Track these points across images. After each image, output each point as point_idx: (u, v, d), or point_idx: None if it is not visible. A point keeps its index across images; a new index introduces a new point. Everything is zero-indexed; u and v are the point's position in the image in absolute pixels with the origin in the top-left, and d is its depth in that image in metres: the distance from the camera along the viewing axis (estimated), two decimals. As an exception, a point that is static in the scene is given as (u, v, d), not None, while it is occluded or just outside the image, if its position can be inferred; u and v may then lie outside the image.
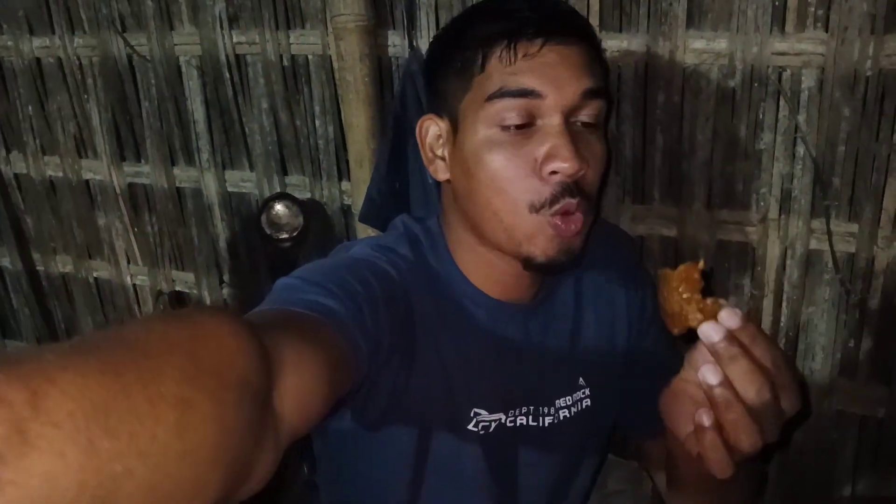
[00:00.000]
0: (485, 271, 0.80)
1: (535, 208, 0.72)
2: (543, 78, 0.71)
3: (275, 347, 0.45)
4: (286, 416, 0.45)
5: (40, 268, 1.68)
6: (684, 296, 0.61)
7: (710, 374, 0.57)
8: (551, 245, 0.73)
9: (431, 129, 0.80)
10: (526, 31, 0.72)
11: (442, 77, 0.78)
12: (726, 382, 0.57)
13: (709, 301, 0.60)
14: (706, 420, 0.59)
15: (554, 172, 0.71)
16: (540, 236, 0.73)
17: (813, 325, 1.04)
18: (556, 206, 0.72)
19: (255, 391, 0.41)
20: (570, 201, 0.71)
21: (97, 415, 0.31)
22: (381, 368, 0.69)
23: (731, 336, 0.57)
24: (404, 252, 0.79)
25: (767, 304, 1.06)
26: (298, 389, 0.47)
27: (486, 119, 0.73)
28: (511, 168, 0.72)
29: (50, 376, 0.31)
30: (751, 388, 0.56)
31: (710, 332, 0.57)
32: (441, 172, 0.80)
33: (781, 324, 1.06)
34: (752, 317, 0.59)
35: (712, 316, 0.58)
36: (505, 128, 0.72)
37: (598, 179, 0.76)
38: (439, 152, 0.80)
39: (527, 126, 0.72)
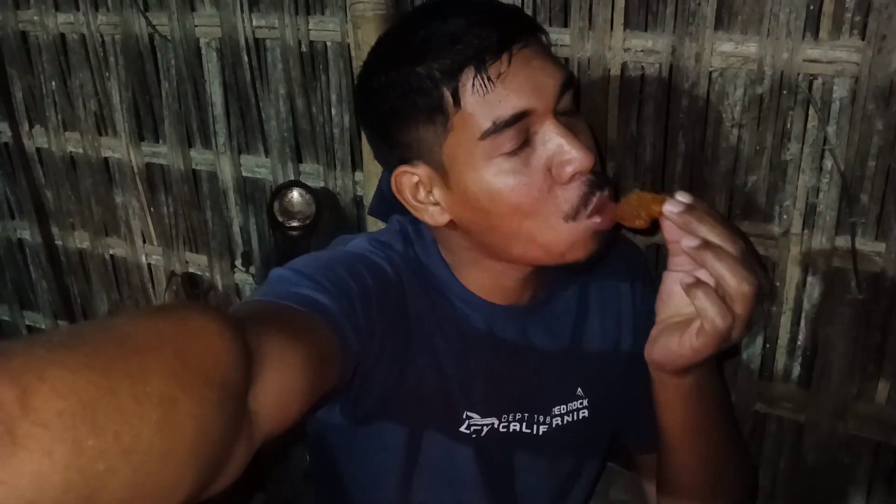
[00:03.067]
0: (481, 276, 0.78)
1: (571, 216, 0.69)
2: (525, 92, 0.67)
3: (258, 345, 0.45)
4: (263, 415, 0.45)
5: (59, 242, 1.70)
6: (646, 197, 0.68)
7: (689, 240, 0.63)
8: (593, 242, 0.71)
9: (412, 181, 0.73)
10: (487, 51, 0.66)
11: (401, 129, 0.71)
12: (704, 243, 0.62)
13: (663, 194, 0.67)
14: (701, 275, 0.64)
15: (574, 174, 0.68)
16: (582, 241, 0.70)
17: (831, 345, 1.00)
18: (591, 206, 0.69)
19: (236, 391, 0.42)
20: (602, 195, 0.69)
21: (85, 413, 0.31)
22: (373, 365, 0.69)
23: (690, 208, 0.64)
24: (400, 249, 0.78)
25: (785, 320, 1.02)
26: (277, 389, 0.47)
27: (485, 154, 0.68)
28: (532, 189, 0.68)
29: (40, 373, 0.31)
30: (727, 238, 0.62)
31: (671, 206, 0.64)
32: (438, 216, 0.73)
33: (799, 342, 1.02)
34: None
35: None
36: (507, 154, 0.68)
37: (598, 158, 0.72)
38: (430, 199, 0.73)
39: (526, 141, 0.68)
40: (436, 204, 0.73)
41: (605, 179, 0.71)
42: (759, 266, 0.67)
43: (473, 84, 0.66)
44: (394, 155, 0.74)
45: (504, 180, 0.68)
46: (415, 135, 0.71)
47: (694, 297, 0.62)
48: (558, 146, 0.68)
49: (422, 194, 0.73)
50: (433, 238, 0.80)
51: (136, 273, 1.61)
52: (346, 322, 0.62)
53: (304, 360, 0.51)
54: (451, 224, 0.74)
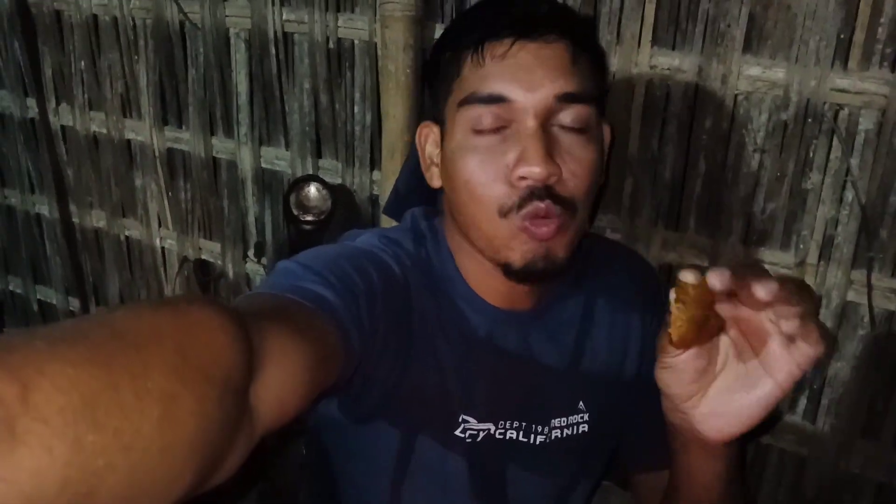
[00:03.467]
0: (484, 276, 0.78)
1: (504, 213, 0.70)
2: (513, 81, 0.69)
3: (260, 340, 0.45)
4: (262, 410, 0.45)
5: (76, 220, 1.71)
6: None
7: (763, 288, 0.51)
8: (528, 249, 0.70)
9: (430, 137, 0.80)
10: (494, 30, 0.70)
11: (432, 82, 0.79)
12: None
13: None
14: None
15: (523, 178, 0.69)
16: (514, 241, 0.71)
17: (840, 380, 0.98)
18: (524, 210, 0.69)
19: (237, 387, 0.41)
20: (539, 205, 0.69)
21: (85, 409, 0.31)
22: (375, 363, 0.68)
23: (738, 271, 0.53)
24: (409, 247, 0.78)
25: (794, 351, 1.00)
26: (278, 385, 0.47)
27: (462, 124, 0.72)
28: (482, 173, 0.71)
29: (41, 367, 0.31)
30: (795, 290, 0.53)
31: (716, 276, 0.52)
32: (435, 179, 0.80)
33: (807, 374, 1.00)
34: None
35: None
36: (478, 132, 0.71)
37: (583, 186, 0.71)
38: (436, 159, 0.79)
39: (501, 129, 0.70)
40: (437, 165, 0.79)
41: (556, 198, 0.69)
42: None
43: (472, 56, 0.71)
44: (429, 108, 0.81)
45: (465, 154, 0.72)
46: (436, 91, 0.77)
47: (790, 352, 0.56)
48: (522, 148, 0.69)
49: (433, 151, 0.79)
50: (444, 234, 0.81)
51: (150, 255, 1.62)
52: (349, 319, 0.61)
53: (306, 356, 0.51)
54: (442, 190, 0.79)
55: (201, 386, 0.37)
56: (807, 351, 0.55)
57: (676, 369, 0.62)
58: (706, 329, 0.57)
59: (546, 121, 0.70)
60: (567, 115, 0.71)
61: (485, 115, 0.70)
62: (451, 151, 0.74)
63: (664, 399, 0.66)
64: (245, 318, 0.44)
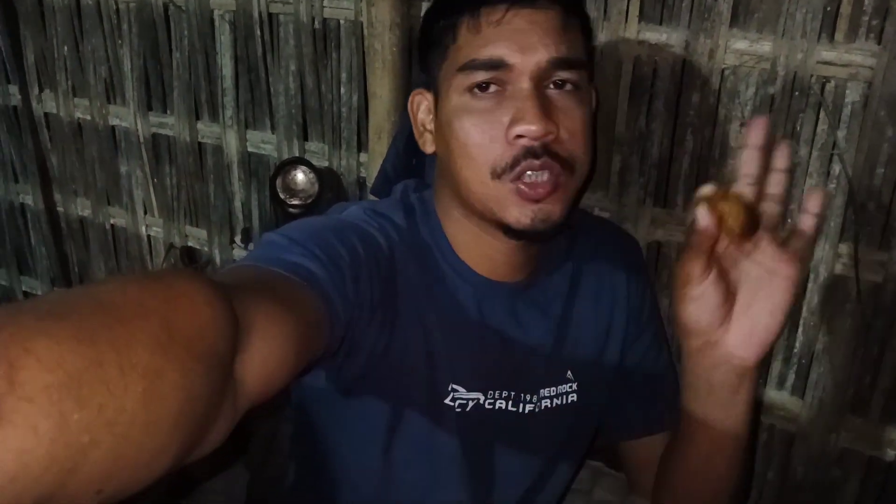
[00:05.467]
0: (473, 246, 0.78)
1: (497, 174, 0.71)
2: (510, 45, 0.70)
3: (245, 313, 0.45)
4: (248, 383, 0.45)
5: (60, 209, 1.69)
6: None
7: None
8: (524, 212, 0.71)
9: (422, 104, 0.81)
10: None
11: (425, 49, 0.79)
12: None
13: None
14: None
15: (519, 136, 0.69)
16: (508, 203, 0.71)
17: (828, 354, 0.98)
18: (516, 170, 0.70)
19: (222, 360, 0.41)
20: (533, 162, 0.69)
21: (70, 386, 0.31)
22: (360, 334, 0.69)
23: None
24: (397, 220, 0.78)
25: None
26: (263, 358, 0.47)
27: (458, 87, 0.73)
28: (478, 134, 0.72)
29: (26, 345, 0.31)
30: None
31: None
32: (429, 145, 0.81)
33: (795, 350, 1.01)
34: None
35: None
36: (475, 94, 0.72)
37: (580, 144, 0.73)
38: (429, 126, 0.80)
39: (497, 92, 0.71)
40: (431, 132, 0.80)
41: (553, 156, 0.70)
42: None
43: (468, 22, 0.72)
44: (421, 75, 0.81)
45: (462, 116, 0.72)
46: (430, 58, 0.78)
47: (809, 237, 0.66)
48: (518, 108, 0.70)
49: (425, 118, 0.80)
50: (434, 206, 0.81)
51: (136, 243, 1.61)
52: (334, 291, 0.62)
53: (291, 328, 0.51)
54: (435, 155, 0.80)
55: (186, 360, 0.37)
56: (794, 243, 0.65)
57: (703, 298, 0.65)
58: (755, 217, 0.64)
59: (540, 82, 0.71)
60: (560, 78, 0.72)
61: (483, 79, 0.71)
62: (447, 115, 0.74)
63: (691, 339, 0.68)
64: (230, 291, 0.44)
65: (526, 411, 0.82)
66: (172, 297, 0.39)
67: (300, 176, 1.27)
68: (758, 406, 1.04)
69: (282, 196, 1.28)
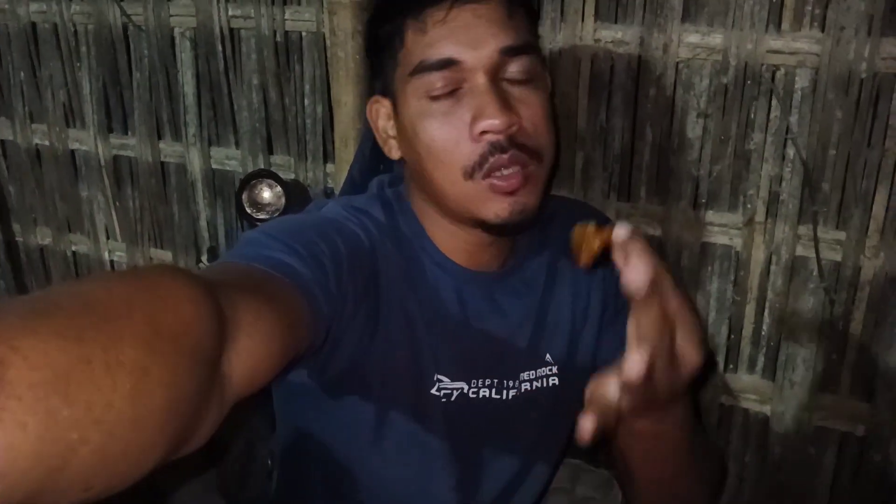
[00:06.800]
0: (450, 239, 0.79)
1: (468, 174, 0.71)
2: (458, 43, 0.71)
3: (230, 309, 0.46)
4: (234, 379, 0.46)
5: (19, 239, 1.65)
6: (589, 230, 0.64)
7: (643, 268, 0.55)
8: (501, 206, 0.71)
9: (381, 111, 0.80)
10: None
11: (375, 55, 0.79)
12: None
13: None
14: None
15: (484, 133, 0.70)
16: (485, 200, 0.72)
17: (795, 334, 1.01)
18: (487, 166, 0.70)
19: (208, 357, 0.42)
20: (501, 157, 0.70)
21: (58, 384, 0.31)
22: (343, 330, 0.69)
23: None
24: (376, 214, 0.79)
25: (750, 310, 1.03)
26: (249, 353, 0.48)
27: (415, 92, 0.73)
28: (442, 137, 0.72)
29: (13, 343, 0.31)
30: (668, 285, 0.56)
31: (622, 229, 0.56)
32: (394, 151, 0.80)
33: (763, 332, 1.03)
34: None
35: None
36: (433, 97, 0.72)
37: (543, 132, 0.74)
38: (391, 132, 0.79)
39: (454, 91, 0.71)
40: (394, 137, 0.79)
41: (519, 146, 0.70)
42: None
43: (413, 25, 0.72)
44: (376, 84, 0.81)
45: (425, 121, 0.72)
46: (381, 64, 0.77)
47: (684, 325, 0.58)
48: (478, 104, 0.70)
49: (386, 125, 0.80)
50: (409, 199, 0.82)
51: (99, 270, 1.57)
52: (316, 286, 0.62)
53: (275, 324, 0.51)
54: (402, 160, 0.80)
55: (172, 357, 0.38)
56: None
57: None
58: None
59: (495, 75, 0.72)
60: (513, 68, 0.73)
61: (437, 81, 0.71)
62: (408, 121, 0.74)
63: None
64: (214, 287, 0.45)
65: (509, 397, 0.82)
66: (158, 294, 0.39)
67: (267, 190, 1.27)
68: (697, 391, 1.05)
69: (249, 211, 1.27)
